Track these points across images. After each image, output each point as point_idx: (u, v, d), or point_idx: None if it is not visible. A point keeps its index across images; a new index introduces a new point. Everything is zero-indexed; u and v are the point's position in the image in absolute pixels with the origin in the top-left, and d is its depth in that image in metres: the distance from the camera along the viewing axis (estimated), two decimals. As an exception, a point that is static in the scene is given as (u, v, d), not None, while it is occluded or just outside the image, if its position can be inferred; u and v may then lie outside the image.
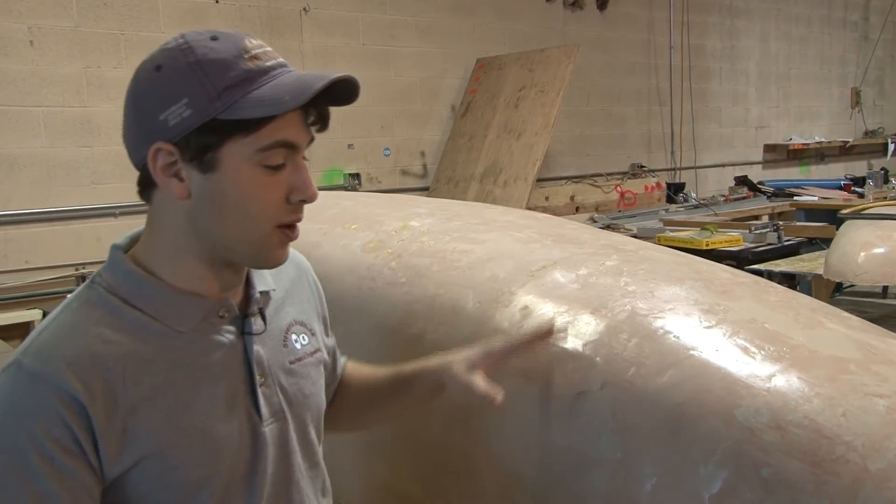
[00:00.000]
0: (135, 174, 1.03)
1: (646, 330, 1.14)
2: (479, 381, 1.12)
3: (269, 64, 0.98)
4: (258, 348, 1.06)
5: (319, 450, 1.18)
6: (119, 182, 4.67)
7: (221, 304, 1.04)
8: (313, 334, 1.18)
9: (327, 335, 1.26)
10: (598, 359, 1.13)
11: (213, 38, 0.98)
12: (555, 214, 3.93)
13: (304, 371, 1.13)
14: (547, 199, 6.16)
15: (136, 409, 0.95)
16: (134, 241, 1.06)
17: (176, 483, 0.98)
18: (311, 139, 1.02)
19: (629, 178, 7.06)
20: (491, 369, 1.14)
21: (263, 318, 1.09)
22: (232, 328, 1.05)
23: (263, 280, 1.12)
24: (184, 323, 1.01)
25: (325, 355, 1.21)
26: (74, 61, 4.57)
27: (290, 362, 1.11)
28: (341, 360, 1.32)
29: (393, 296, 1.42)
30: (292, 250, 1.19)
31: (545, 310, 1.25)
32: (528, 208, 5.08)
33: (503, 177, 5.56)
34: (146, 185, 1.01)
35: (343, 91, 1.00)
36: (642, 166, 7.42)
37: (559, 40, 6.67)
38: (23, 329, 4.27)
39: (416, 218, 1.69)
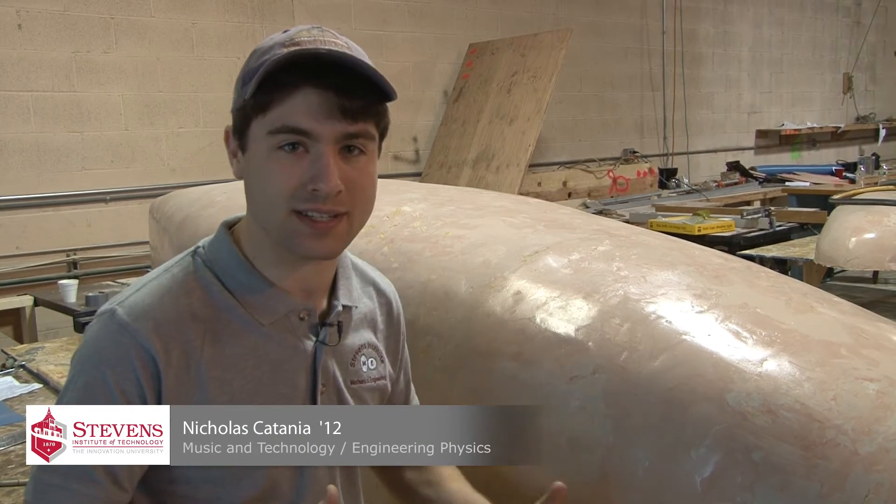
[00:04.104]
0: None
1: (638, 315, 1.14)
2: None
3: (301, 49, 0.97)
4: (327, 359, 1.08)
5: (358, 472, 1.18)
6: (109, 168, 4.65)
7: (304, 307, 1.06)
8: (382, 361, 1.17)
9: (395, 370, 1.22)
10: (590, 343, 1.14)
11: (284, 31, 1.02)
12: (547, 200, 3.93)
13: (363, 395, 1.14)
14: (539, 184, 6.16)
15: (204, 385, 0.98)
16: (239, 220, 1.10)
17: (222, 466, 0.99)
18: (350, 132, 0.98)
19: (622, 164, 7.06)
20: None
21: (339, 332, 1.10)
22: (308, 332, 1.07)
23: (349, 295, 1.13)
24: (266, 316, 1.03)
25: (387, 384, 1.19)
26: (64, 46, 4.53)
27: (352, 382, 1.12)
28: (412, 402, 1.28)
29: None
30: (385, 280, 1.22)
31: (538, 294, 1.25)
32: (521, 194, 5.08)
33: (495, 162, 5.56)
34: None
35: (374, 84, 0.98)
36: (635, 152, 7.42)
37: (552, 25, 6.64)
38: (14, 315, 4.26)
39: (409, 203, 1.69)
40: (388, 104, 1.03)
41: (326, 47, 0.98)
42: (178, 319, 0.98)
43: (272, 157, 0.98)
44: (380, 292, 1.20)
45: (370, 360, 1.15)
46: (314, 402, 1.06)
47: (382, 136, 1.05)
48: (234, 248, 1.05)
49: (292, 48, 0.97)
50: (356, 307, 1.14)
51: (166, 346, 0.96)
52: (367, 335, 1.16)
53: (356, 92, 0.97)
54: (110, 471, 0.95)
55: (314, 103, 0.96)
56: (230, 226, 1.09)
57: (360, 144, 1.00)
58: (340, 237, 1.01)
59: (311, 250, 1.01)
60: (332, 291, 1.11)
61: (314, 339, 1.07)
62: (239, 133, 1.02)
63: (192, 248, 1.07)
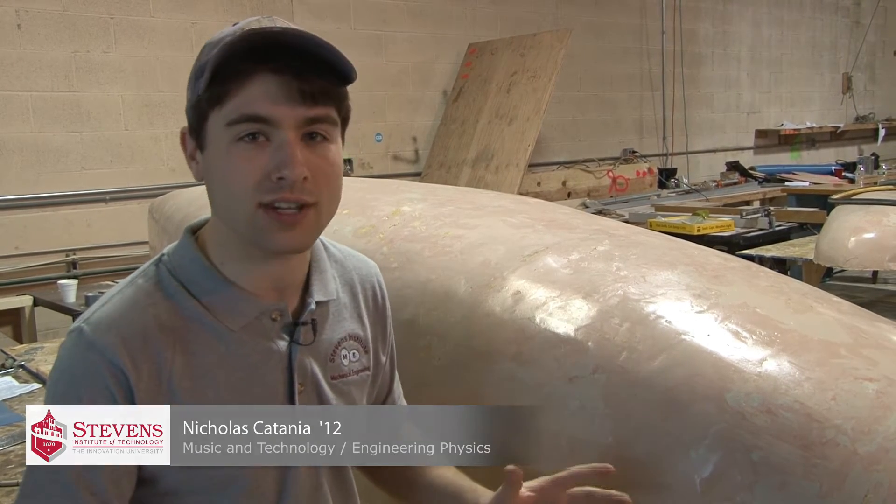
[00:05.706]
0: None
1: (637, 314, 1.14)
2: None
3: (253, 30, 0.95)
4: (303, 357, 1.04)
5: (349, 469, 1.14)
6: (109, 168, 4.65)
7: (275, 307, 1.03)
8: (366, 351, 1.13)
9: (383, 355, 1.18)
10: (589, 343, 1.14)
11: (234, 24, 0.99)
12: (547, 200, 3.94)
13: (346, 389, 1.10)
14: (539, 184, 6.16)
15: (176, 397, 0.96)
16: (204, 224, 1.06)
17: (204, 475, 0.98)
18: (311, 117, 0.95)
19: (621, 164, 7.06)
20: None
21: (315, 329, 1.06)
22: (282, 333, 1.03)
23: (325, 289, 1.09)
24: (236, 321, 1.00)
25: (370, 374, 1.15)
26: (63, 45, 4.53)
27: (333, 378, 1.08)
28: (396, 391, 1.23)
29: (384, 281, 1.42)
30: (366, 265, 1.18)
31: (537, 294, 1.25)
32: (520, 194, 5.08)
33: (495, 162, 5.56)
34: None
35: (335, 65, 0.95)
36: (634, 152, 7.43)
37: (551, 25, 6.65)
38: (13, 315, 4.26)
39: (408, 203, 1.69)
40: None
41: (279, 26, 0.96)
42: (144, 332, 0.95)
43: (232, 149, 0.94)
44: (362, 278, 1.17)
45: (352, 352, 1.11)
46: (292, 402, 1.02)
47: (345, 122, 1.01)
48: (198, 254, 1.02)
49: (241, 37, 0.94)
50: (334, 299, 1.10)
51: (135, 361, 0.94)
52: (349, 326, 1.12)
53: (315, 74, 0.94)
54: (96, 492, 0.92)
55: (272, 88, 0.93)
56: (195, 230, 1.06)
57: (322, 130, 0.97)
58: (309, 229, 0.98)
59: (281, 244, 0.97)
60: (306, 288, 1.07)
61: (288, 339, 1.03)
62: (196, 131, 0.98)
63: (157, 257, 1.04)
